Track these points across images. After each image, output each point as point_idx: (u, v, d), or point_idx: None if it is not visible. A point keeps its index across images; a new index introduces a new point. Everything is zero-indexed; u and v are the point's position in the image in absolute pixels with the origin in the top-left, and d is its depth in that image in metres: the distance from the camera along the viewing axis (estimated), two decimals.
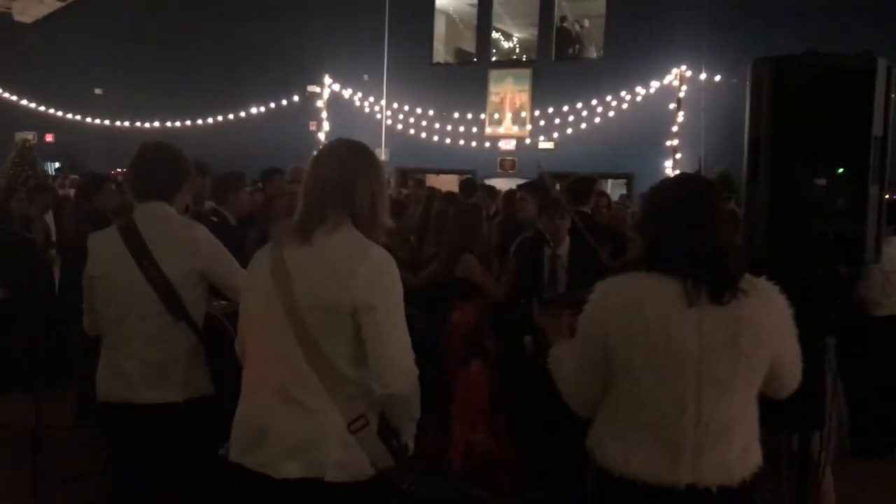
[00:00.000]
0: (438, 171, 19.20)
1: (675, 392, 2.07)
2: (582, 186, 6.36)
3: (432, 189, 11.78)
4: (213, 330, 3.01)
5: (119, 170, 18.30)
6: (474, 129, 17.55)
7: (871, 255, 2.38)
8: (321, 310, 2.16)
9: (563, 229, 4.75)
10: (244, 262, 5.11)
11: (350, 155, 2.27)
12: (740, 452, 2.11)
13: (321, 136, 18.73)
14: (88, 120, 20.79)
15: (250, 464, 2.23)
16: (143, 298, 2.86)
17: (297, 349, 2.16)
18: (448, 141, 17.67)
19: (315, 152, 2.38)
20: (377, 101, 18.17)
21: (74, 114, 20.92)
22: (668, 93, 15.87)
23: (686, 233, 2.11)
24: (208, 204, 5.40)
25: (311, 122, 18.83)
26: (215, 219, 3.67)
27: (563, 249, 4.77)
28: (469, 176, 13.65)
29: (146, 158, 3.03)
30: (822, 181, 2.38)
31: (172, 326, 2.88)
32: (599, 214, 6.43)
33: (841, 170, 2.38)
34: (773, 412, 2.21)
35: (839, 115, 2.40)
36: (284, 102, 18.77)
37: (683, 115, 15.73)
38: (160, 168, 2.99)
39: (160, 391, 2.87)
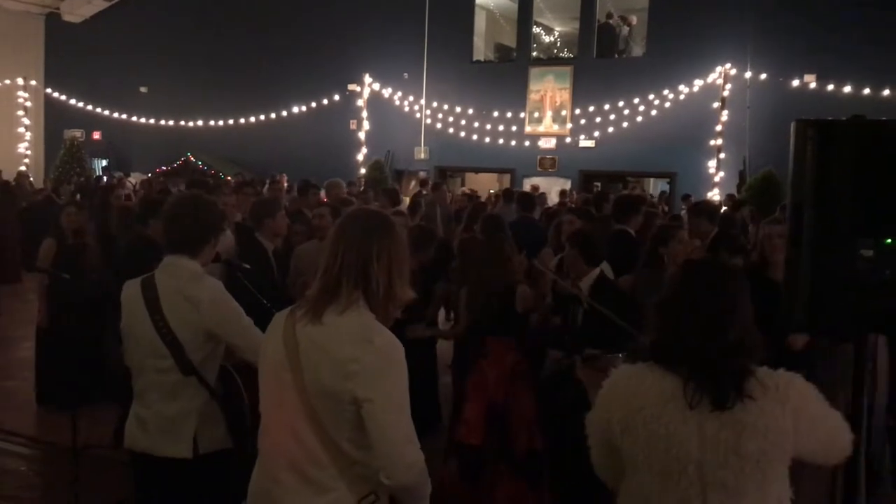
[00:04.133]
0: (478, 170, 19.16)
1: (678, 492, 2.00)
2: (628, 204, 6.22)
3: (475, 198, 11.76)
4: (227, 382, 3.03)
5: (163, 168, 18.69)
6: (514, 128, 17.45)
7: None
8: (325, 395, 2.14)
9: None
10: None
11: (370, 229, 2.23)
12: None
13: (361, 135, 18.81)
14: (134, 118, 21.13)
15: None
16: (156, 353, 2.90)
17: (308, 428, 2.16)
18: (487, 139, 17.59)
19: (338, 222, 2.33)
20: (417, 100, 18.16)
21: (120, 112, 21.28)
22: (711, 91, 15.59)
23: (693, 330, 2.02)
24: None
25: (351, 121, 18.91)
26: (246, 265, 3.64)
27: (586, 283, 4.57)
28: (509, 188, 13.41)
29: (176, 211, 3.05)
30: (868, 252, 2.28)
31: (183, 382, 2.90)
32: (644, 230, 6.28)
33: (889, 240, 2.28)
34: None
35: (886, 182, 2.30)
36: (325, 101, 18.88)
37: (728, 114, 15.44)
38: (188, 222, 3.00)
39: (173, 446, 2.91)
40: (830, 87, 14.13)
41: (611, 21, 17.73)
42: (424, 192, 12.94)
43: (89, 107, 21.67)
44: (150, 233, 5.51)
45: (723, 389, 1.97)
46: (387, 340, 2.16)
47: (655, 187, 18.92)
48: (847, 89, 14.00)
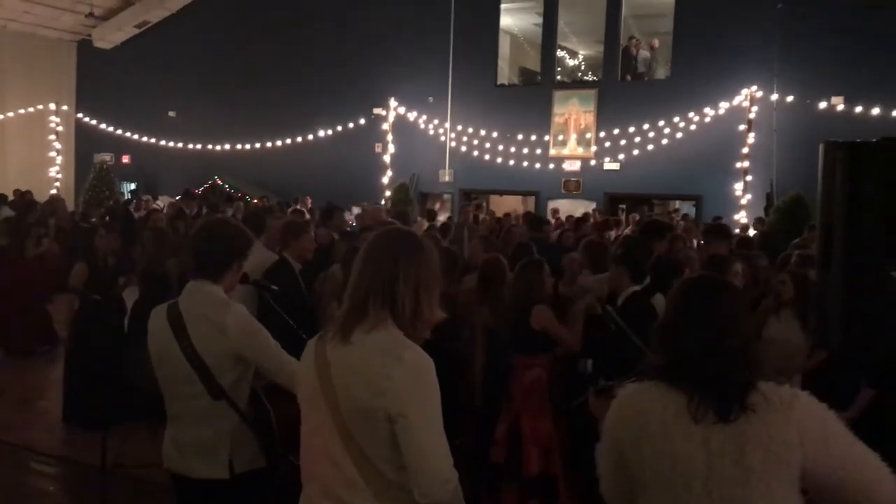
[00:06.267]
0: (502, 193, 19.20)
1: None
2: (653, 229, 6.19)
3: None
4: (256, 404, 3.05)
5: (195, 190, 18.90)
6: (538, 151, 17.47)
7: None
8: (359, 414, 2.13)
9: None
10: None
11: (397, 249, 2.22)
12: None
13: (386, 158, 18.94)
14: (163, 142, 21.44)
15: None
16: (186, 378, 2.92)
17: (343, 450, 2.15)
18: (512, 162, 17.63)
19: (366, 242, 2.33)
20: (441, 123, 18.27)
21: (149, 136, 21.62)
22: (737, 113, 15.52)
23: (695, 346, 2.03)
24: (271, 256, 5.45)
25: (376, 145, 19.05)
26: (274, 287, 3.68)
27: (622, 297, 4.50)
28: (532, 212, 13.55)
29: (201, 237, 3.08)
30: None
31: (214, 406, 2.93)
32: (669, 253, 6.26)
33: None
34: None
35: None
36: (351, 125, 19.04)
37: (754, 137, 15.37)
38: (212, 248, 3.03)
39: (209, 467, 2.94)
40: (859, 109, 14.01)
41: (631, 45, 17.74)
42: (448, 215, 13.06)
43: (119, 131, 22.04)
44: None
45: (726, 402, 1.97)
46: (417, 356, 2.15)
47: (680, 206, 18.77)
48: (876, 111, 13.88)
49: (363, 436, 2.14)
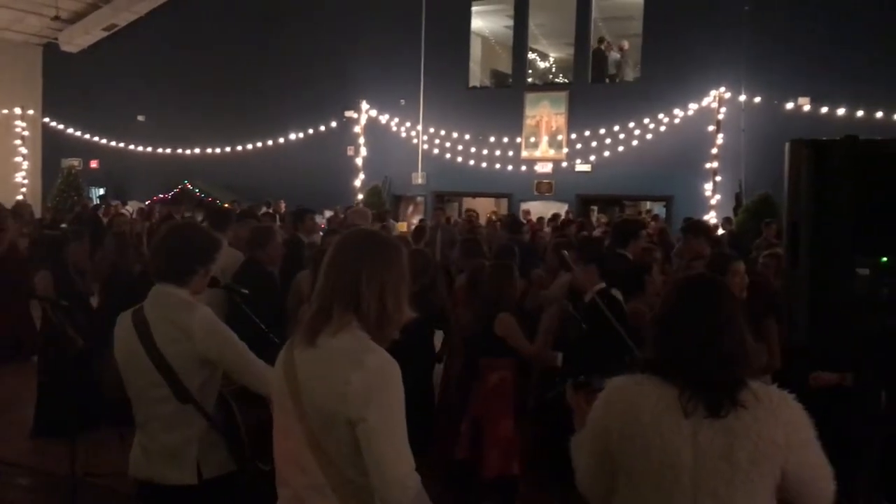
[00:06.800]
0: (475, 195, 19.23)
1: (671, 502, 2.02)
2: (628, 228, 6.21)
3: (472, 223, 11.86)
4: (223, 409, 3.01)
5: (160, 196, 18.72)
6: (510, 153, 17.54)
7: None
8: (323, 419, 2.11)
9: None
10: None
11: (361, 250, 2.19)
12: None
13: (358, 160, 18.88)
14: (132, 147, 21.19)
15: None
16: (153, 382, 2.89)
17: (310, 456, 2.13)
18: (484, 164, 17.68)
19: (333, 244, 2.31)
20: (413, 126, 18.26)
21: (118, 141, 21.37)
22: (706, 115, 15.70)
23: (691, 344, 2.06)
24: (238, 255, 5.40)
25: (348, 148, 18.99)
26: (245, 291, 3.64)
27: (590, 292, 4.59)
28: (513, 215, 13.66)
29: (166, 241, 3.04)
30: (864, 271, 2.30)
31: (181, 410, 2.89)
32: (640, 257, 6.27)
33: (885, 259, 2.29)
34: None
35: (882, 201, 2.32)
36: (322, 128, 18.97)
37: (723, 137, 15.54)
38: (178, 252, 2.99)
39: (177, 473, 2.90)
40: (824, 109, 14.23)
41: (601, 47, 17.87)
42: (420, 218, 13.07)
43: (87, 136, 21.75)
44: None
45: (717, 398, 2.00)
46: (379, 360, 2.12)
47: (651, 207, 18.92)
48: (841, 112, 14.10)
49: (328, 441, 2.12)
